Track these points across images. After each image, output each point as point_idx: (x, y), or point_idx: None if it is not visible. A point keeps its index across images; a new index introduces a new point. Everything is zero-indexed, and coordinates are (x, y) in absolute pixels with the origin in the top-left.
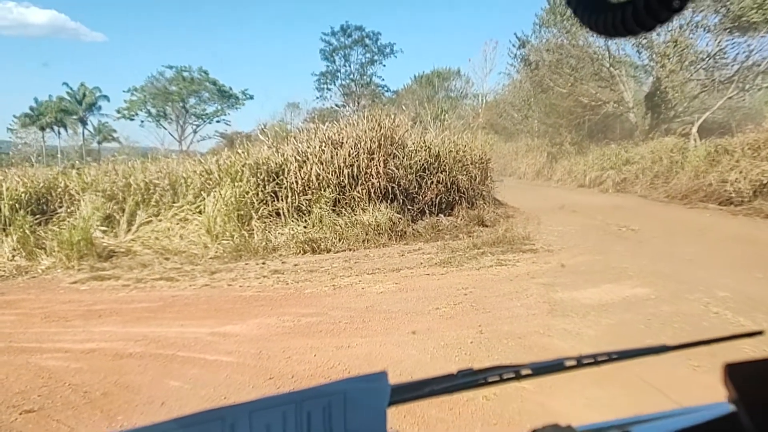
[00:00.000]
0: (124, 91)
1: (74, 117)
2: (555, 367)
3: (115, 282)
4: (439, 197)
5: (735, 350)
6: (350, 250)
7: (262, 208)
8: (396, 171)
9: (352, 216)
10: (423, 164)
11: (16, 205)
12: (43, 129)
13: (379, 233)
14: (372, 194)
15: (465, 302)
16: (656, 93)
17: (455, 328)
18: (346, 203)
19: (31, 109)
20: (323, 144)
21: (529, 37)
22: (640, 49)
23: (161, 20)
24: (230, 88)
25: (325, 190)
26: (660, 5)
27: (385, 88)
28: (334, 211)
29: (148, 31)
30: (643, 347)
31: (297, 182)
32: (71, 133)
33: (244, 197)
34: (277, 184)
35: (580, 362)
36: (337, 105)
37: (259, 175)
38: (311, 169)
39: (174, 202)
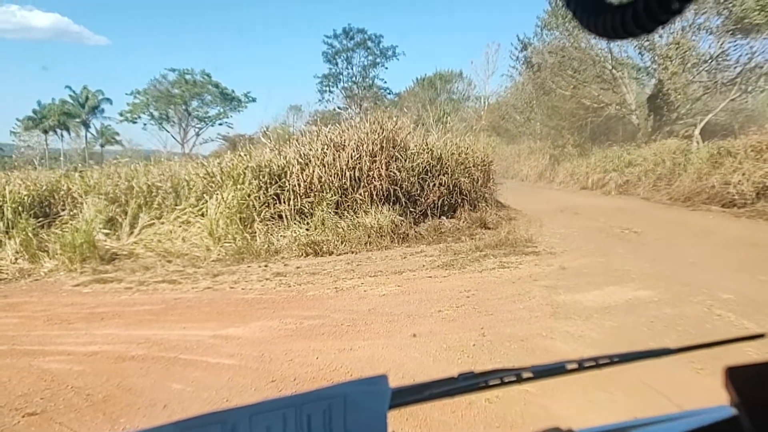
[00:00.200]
0: (126, 94)
1: (77, 120)
2: (556, 370)
3: (117, 285)
4: (441, 200)
5: (738, 353)
6: (352, 252)
7: (264, 211)
8: (398, 173)
9: (354, 218)
10: (425, 167)
11: (19, 207)
12: (46, 132)
13: (381, 236)
14: (374, 197)
15: (467, 305)
16: (659, 95)
17: (458, 330)
18: (348, 206)
19: (34, 112)
20: (325, 146)
21: (531, 40)
22: (642, 51)
23: (164, 23)
24: (233, 91)
25: (327, 193)
26: (659, 7)
27: (388, 91)
28: (336, 213)
29: (150, 35)
30: (645, 350)
31: (299, 185)
32: (74, 136)
33: (246, 200)
34: (280, 186)
35: (582, 365)
36: (339, 107)
37: (261, 177)
38: (313, 171)
39: (176, 205)
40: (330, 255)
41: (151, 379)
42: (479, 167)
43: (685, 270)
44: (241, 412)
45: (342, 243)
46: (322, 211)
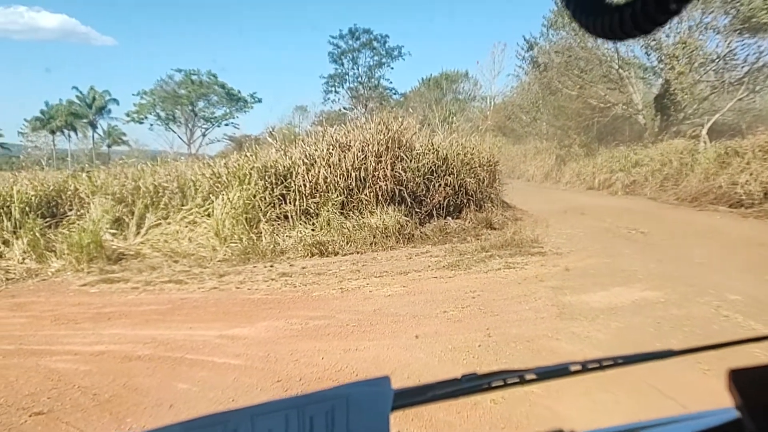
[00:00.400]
0: (133, 95)
1: (84, 120)
2: (560, 371)
3: (124, 285)
4: (446, 200)
5: (745, 354)
6: (358, 253)
7: (270, 211)
8: (403, 174)
9: (359, 219)
10: (431, 167)
11: (27, 208)
12: (53, 132)
13: (386, 236)
14: (379, 197)
15: (473, 305)
16: (665, 95)
17: (463, 331)
18: (353, 206)
19: (42, 112)
20: (331, 147)
21: (537, 39)
22: (649, 51)
23: (170, 24)
24: (239, 92)
25: (332, 193)
26: (657, 8)
27: (393, 91)
28: (341, 214)
29: (157, 35)
30: (649, 352)
31: (305, 185)
32: (81, 136)
33: (252, 200)
34: (285, 187)
35: (585, 367)
36: (345, 108)
37: (267, 178)
38: (319, 172)
39: (183, 205)
40: (335, 255)
41: (158, 379)
42: (485, 167)
43: (692, 270)
44: (243, 414)
45: (347, 243)
46: (328, 211)
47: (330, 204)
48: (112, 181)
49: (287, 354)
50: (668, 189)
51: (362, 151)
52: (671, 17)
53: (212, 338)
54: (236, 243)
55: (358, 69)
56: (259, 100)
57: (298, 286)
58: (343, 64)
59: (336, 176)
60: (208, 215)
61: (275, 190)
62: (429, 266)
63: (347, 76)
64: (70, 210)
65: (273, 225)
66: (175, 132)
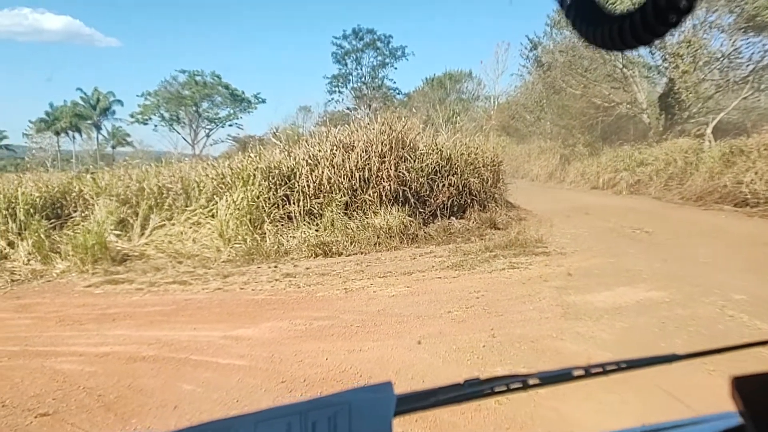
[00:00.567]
0: (137, 96)
1: (89, 122)
2: (563, 376)
3: (128, 285)
4: (450, 200)
5: (753, 356)
6: (362, 253)
7: (273, 212)
8: (407, 174)
9: (363, 219)
10: (434, 167)
11: (32, 209)
12: (58, 134)
13: (390, 236)
14: (383, 197)
15: (477, 305)
16: (670, 94)
17: (467, 331)
18: (357, 206)
19: (47, 114)
20: (335, 147)
21: (541, 39)
22: (653, 50)
23: (174, 25)
24: (243, 92)
25: (336, 194)
26: (657, 19)
27: (397, 91)
28: (345, 214)
29: (161, 36)
30: (653, 356)
31: (308, 186)
32: (85, 137)
33: (256, 201)
34: (289, 187)
35: (588, 372)
36: (348, 108)
37: (271, 178)
38: (323, 172)
39: (187, 206)
40: (339, 256)
41: (162, 380)
42: (489, 167)
43: (697, 270)
44: (246, 420)
45: (351, 244)
46: (332, 211)
47: (334, 204)
48: (116, 182)
49: (291, 355)
50: (673, 188)
51: (366, 151)
52: (671, 28)
53: (216, 339)
54: (240, 244)
55: (361, 69)
56: (263, 101)
57: (302, 286)
58: (346, 65)
59: (340, 177)
60: (212, 216)
61: (279, 190)
62: (433, 266)
63: (351, 77)
64: (75, 211)
65: (277, 226)
66: (179, 133)
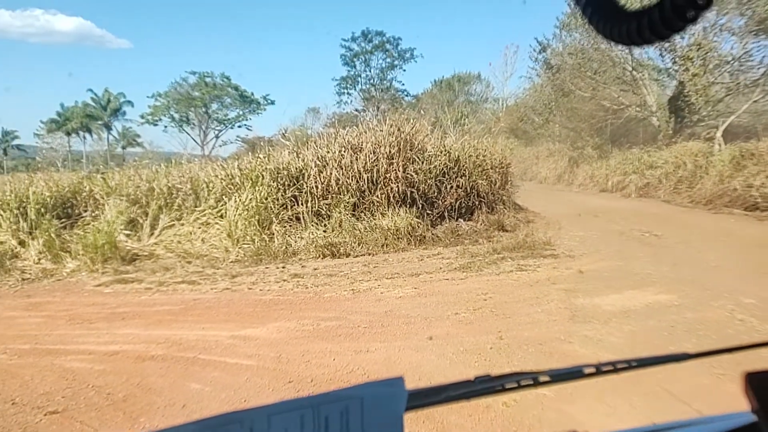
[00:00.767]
0: (148, 97)
1: (99, 122)
2: (574, 374)
3: (138, 285)
4: (458, 202)
5: (760, 358)
6: (369, 254)
7: (282, 213)
8: (415, 176)
9: (371, 220)
10: (442, 169)
11: (43, 209)
12: (68, 134)
13: (398, 238)
14: (391, 199)
15: (484, 307)
16: (680, 97)
17: (475, 333)
18: (365, 208)
19: (58, 114)
20: (343, 149)
21: (550, 41)
22: (663, 53)
23: (184, 27)
24: (252, 94)
25: (344, 195)
26: (675, 15)
27: (405, 93)
28: (353, 215)
29: (171, 38)
30: (664, 355)
31: (317, 187)
32: (96, 138)
33: (264, 202)
34: (297, 188)
35: (599, 369)
36: (357, 110)
37: (279, 179)
38: (331, 173)
39: (196, 207)
40: (347, 257)
41: (171, 379)
42: (497, 169)
43: (707, 274)
44: (259, 412)
45: (359, 245)
46: (340, 213)
47: (342, 205)
48: (126, 182)
49: (299, 355)
50: (682, 192)
51: (374, 152)
52: (689, 24)
53: (224, 339)
54: (248, 244)
55: (370, 71)
56: (272, 102)
57: (309, 287)
58: (355, 66)
59: (348, 178)
60: (221, 216)
61: (287, 191)
62: (440, 268)
63: (359, 78)
64: (85, 211)
65: (285, 226)
66: (188, 134)
